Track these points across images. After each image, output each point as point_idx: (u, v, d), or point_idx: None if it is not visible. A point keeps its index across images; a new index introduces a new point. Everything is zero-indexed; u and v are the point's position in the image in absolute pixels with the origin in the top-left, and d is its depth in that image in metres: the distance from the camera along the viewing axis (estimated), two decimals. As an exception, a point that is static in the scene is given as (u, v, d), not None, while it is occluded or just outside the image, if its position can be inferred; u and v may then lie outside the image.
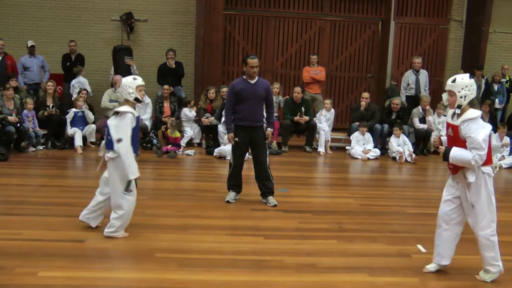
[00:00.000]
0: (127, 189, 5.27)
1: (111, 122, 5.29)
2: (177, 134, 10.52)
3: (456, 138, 4.50)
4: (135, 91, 5.32)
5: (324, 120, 11.55)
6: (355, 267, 4.87)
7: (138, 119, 5.42)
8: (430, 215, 6.78)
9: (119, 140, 5.16)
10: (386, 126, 11.61)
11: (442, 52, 14.51)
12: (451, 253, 4.77)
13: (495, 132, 10.98)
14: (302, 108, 11.40)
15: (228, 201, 6.93)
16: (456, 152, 4.44)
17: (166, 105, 11.56)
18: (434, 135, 11.63)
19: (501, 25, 14.32)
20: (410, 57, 13.78)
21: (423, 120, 11.69)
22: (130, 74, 11.91)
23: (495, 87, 13.30)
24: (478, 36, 13.68)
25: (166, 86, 11.57)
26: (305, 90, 12.40)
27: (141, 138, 11.06)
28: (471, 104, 4.53)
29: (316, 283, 4.46)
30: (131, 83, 5.35)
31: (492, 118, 12.41)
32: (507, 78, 13.59)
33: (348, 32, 14.21)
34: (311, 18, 14.02)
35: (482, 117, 4.54)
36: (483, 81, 13.24)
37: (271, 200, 6.93)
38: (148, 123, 11.16)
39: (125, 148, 5.19)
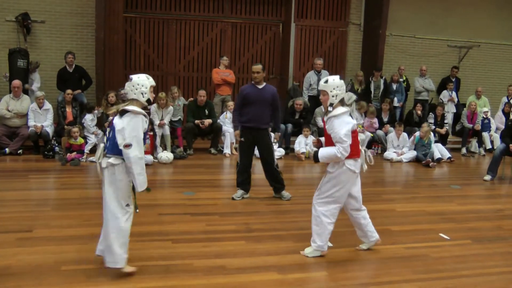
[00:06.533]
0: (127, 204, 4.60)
1: (118, 123, 4.51)
2: (81, 141, 10.21)
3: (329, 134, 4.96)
4: (148, 91, 4.64)
5: (229, 122, 11.65)
6: (264, 266, 4.98)
7: (147, 123, 4.69)
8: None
9: (127, 146, 4.40)
10: (290, 126, 11.91)
11: (342, 54, 15.05)
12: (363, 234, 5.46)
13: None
14: (206, 110, 11.45)
15: (233, 198, 7.55)
16: (322, 152, 5.01)
17: (69, 110, 11.20)
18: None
19: (397, 29, 15.12)
20: (311, 58, 14.21)
21: (325, 119, 12.07)
22: (27, 77, 11.55)
23: (394, 86, 14.03)
24: (376, 38, 14.35)
25: (68, 90, 11.22)
26: (216, 92, 12.46)
27: (42, 146, 10.67)
28: (342, 103, 5.00)
29: (226, 284, 4.52)
30: (144, 81, 4.63)
31: (391, 115, 13.09)
32: (404, 78, 14.41)
33: (250, 34, 14.42)
34: (212, 21, 14.07)
35: (351, 114, 5.05)
36: (382, 81, 13.89)
37: (285, 194, 7.74)
38: (49, 130, 10.76)
39: (134, 154, 4.42)
